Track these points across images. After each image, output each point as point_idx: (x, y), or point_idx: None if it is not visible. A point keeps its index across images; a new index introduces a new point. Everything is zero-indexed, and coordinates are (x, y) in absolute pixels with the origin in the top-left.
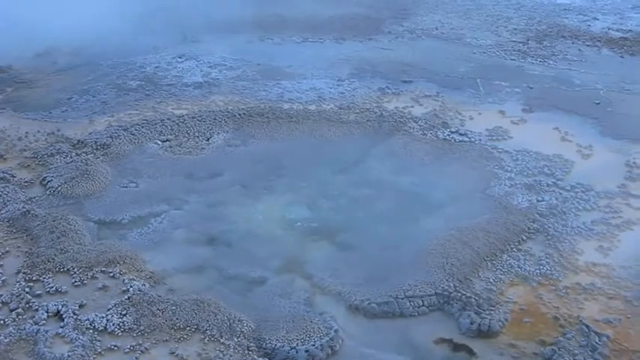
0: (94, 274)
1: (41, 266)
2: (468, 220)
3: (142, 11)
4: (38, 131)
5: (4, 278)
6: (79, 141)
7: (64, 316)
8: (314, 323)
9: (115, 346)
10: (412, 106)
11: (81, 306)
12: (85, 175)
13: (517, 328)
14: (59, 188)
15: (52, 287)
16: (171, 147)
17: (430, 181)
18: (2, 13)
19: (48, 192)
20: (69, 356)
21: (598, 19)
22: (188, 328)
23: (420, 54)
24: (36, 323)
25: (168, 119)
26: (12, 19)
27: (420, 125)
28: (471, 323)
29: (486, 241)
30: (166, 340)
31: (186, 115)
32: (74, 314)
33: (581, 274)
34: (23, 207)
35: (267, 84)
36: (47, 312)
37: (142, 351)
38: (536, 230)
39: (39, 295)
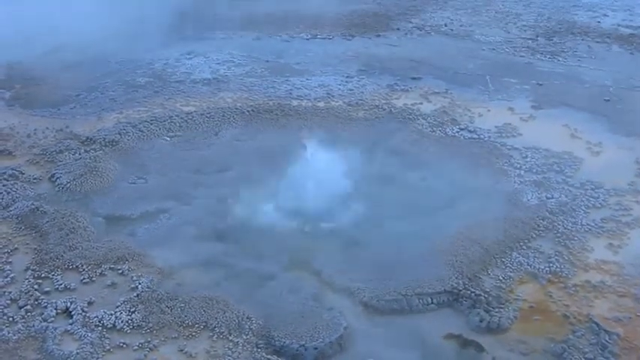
0: (102, 271)
1: (50, 263)
2: (477, 217)
3: (150, 8)
4: (47, 128)
5: (13, 275)
6: (87, 138)
7: (72, 313)
8: (323, 320)
9: (123, 343)
10: (421, 103)
11: (89, 303)
12: (94, 172)
13: (526, 325)
14: (68, 185)
15: (61, 284)
16: (179, 143)
17: (439, 178)
18: (10, 10)
19: (57, 189)
20: (77, 353)
21: (608, 16)
22: (197, 326)
23: (429, 51)
24: (45, 320)
25: (177, 116)
26: (20, 16)
27: (428, 122)
28: (481, 321)
29: (495, 238)
30: (175, 337)
31: (195, 111)
32: (83, 311)
33: (590, 272)
34: (32, 204)
35: (275, 81)
36: (56, 309)
37: (150, 348)
38: (546, 228)
39: (47, 292)
